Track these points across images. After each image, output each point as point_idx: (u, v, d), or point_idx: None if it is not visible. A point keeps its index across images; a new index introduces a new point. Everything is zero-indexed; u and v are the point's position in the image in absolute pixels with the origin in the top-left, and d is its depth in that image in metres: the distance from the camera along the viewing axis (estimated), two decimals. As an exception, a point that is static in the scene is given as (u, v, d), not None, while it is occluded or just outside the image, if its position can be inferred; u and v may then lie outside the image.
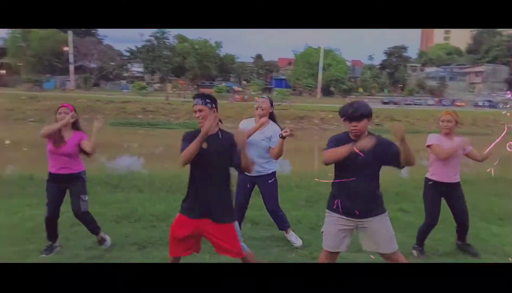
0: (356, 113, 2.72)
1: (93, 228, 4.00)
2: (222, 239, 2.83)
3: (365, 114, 2.73)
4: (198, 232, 2.85)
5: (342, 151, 2.67)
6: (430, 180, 3.98)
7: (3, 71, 55.53)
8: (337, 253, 2.95)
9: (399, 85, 65.23)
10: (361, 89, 60.59)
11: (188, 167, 2.80)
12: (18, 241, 4.10)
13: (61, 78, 54.62)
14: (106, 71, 57.86)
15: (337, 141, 2.83)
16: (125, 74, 63.61)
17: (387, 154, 2.73)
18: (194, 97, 2.84)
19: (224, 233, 2.83)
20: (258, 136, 4.00)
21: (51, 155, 3.77)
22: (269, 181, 4.12)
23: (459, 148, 3.79)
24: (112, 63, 59.56)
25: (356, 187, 2.76)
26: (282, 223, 4.29)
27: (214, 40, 61.43)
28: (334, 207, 2.88)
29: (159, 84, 60.19)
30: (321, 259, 3.01)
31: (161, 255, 3.80)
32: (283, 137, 3.77)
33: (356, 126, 2.74)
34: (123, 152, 20.29)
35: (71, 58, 53.06)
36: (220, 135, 2.83)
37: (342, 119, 2.83)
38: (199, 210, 2.80)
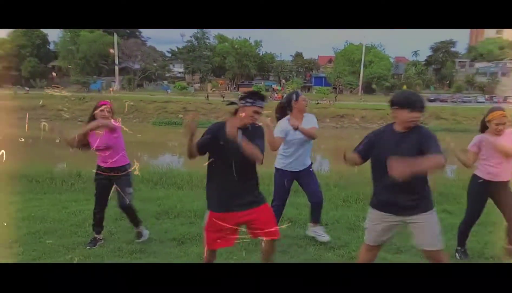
0: (421, 104, 2.64)
1: (135, 220, 4.14)
2: (263, 221, 2.88)
3: (423, 108, 2.67)
4: (237, 224, 2.91)
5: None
6: (480, 178, 3.75)
7: (55, 74, 58.85)
8: (377, 247, 2.94)
9: (446, 82, 62.51)
10: (405, 87, 58.64)
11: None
12: (65, 235, 4.33)
13: (107, 79, 57.08)
14: (149, 72, 59.77)
15: (376, 133, 2.82)
16: (167, 74, 65.41)
17: (425, 150, 2.60)
18: (251, 96, 2.86)
19: (264, 213, 2.92)
20: (297, 134, 4.02)
21: (97, 150, 3.96)
22: (310, 170, 4.23)
23: None
24: (154, 64, 61.45)
25: (396, 184, 2.61)
26: (318, 215, 4.27)
27: (253, 40, 61.90)
28: (375, 203, 2.87)
29: (199, 84, 61.35)
30: (361, 252, 3.04)
31: (198, 251, 3.87)
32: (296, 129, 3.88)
33: (417, 117, 2.64)
34: (164, 150, 20.88)
35: (116, 60, 55.31)
36: (249, 128, 2.88)
37: (396, 107, 2.70)
38: (239, 202, 2.86)
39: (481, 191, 3.77)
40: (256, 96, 2.85)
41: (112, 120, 3.95)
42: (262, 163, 2.85)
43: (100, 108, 3.94)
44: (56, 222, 4.74)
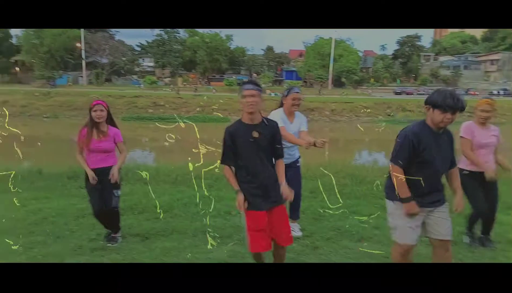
0: (459, 106, 2.59)
1: (116, 226, 4.04)
2: (281, 223, 2.89)
3: (463, 109, 2.62)
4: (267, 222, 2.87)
5: (401, 191, 2.70)
6: (465, 170, 3.83)
7: (17, 69, 56.44)
8: (413, 246, 2.86)
9: (412, 75, 64.25)
10: (372, 80, 59.89)
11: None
12: (23, 234, 4.18)
13: (74, 74, 55.27)
14: (118, 66, 58.32)
15: (415, 136, 2.69)
16: (137, 69, 64.04)
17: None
18: (242, 84, 2.86)
19: (282, 215, 2.92)
20: (293, 130, 4.09)
21: (90, 152, 3.84)
22: (298, 164, 4.28)
23: (481, 164, 3.75)
24: (123, 59, 60.00)
25: (433, 181, 2.75)
26: (297, 211, 4.33)
27: (224, 33, 61.33)
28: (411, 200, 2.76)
29: (169, 79, 60.44)
30: (396, 256, 2.87)
31: (162, 246, 3.84)
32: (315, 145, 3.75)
33: (450, 119, 2.62)
34: (134, 146, 20.47)
35: (83, 54, 53.62)
36: (266, 123, 2.88)
37: (429, 106, 2.69)
38: (266, 199, 2.85)
39: (470, 182, 3.78)
40: (243, 83, 2.86)
41: (114, 129, 3.98)
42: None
43: (93, 109, 3.83)
44: (13, 221, 4.56)
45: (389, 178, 2.83)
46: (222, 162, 2.88)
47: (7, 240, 3.89)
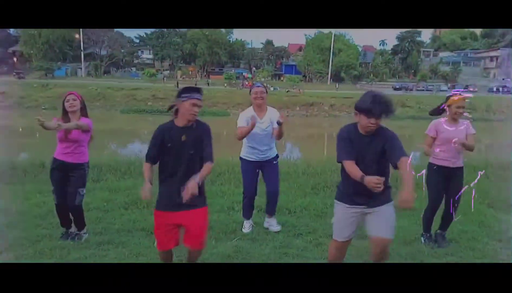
0: (378, 112, 2.59)
1: (80, 223, 4.00)
2: (197, 225, 2.85)
3: (389, 113, 2.62)
4: (178, 223, 2.87)
5: (357, 175, 2.63)
6: (434, 165, 3.96)
7: (15, 59, 56.10)
8: (348, 242, 2.96)
9: (412, 71, 64.19)
10: (371, 75, 59.80)
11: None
12: (29, 227, 4.21)
13: (73, 66, 55.01)
14: (116, 58, 58.04)
15: (347, 134, 2.77)
16: (135, 61, 63.77)
17: (389, 151, 2.69)
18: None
19: (200, 217, 2.87)
20: (262, 126, 4.08)
21: (60, 141, 3.84)
22: (274, 162, 4.29)
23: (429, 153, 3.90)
24: (122, 50, 59.69)
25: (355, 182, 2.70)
26: (274, 207, 4.36)
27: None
28: (343, 197, 2.89)
29: (169, 71, 60.22)
30: (331, 251, 3.03)
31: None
32: (280, 123, 3.91)
33: (374, 124, 2.63)
34: (133, 138, 20.47)
35: (81, 45, 53.32)
36: (194, 126, 2.86)
37: (357, 112, 2.70)
38: (179, 201, 2.75)
39: (437, 177, 3.95)
40: (191, 90, 2.82)
41: (86, 119, 3.86)
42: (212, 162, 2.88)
43: (66, 99, 3.83)
44: (19, 214, 4.59)
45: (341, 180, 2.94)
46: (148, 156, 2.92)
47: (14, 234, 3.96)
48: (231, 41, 63.20)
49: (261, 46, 70.11)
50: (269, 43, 69.25)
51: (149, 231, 4.18)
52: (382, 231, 2.78)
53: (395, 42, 66.49)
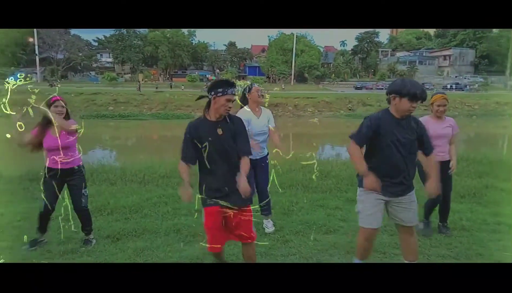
0: (423, 95, 2.75)
1: (89, 226, 3.99)
2: (241, 224, 2.87)
3: (425, 97, 2.79)
4: (223, 219, 2.87)
5: (360, 164, 2.79)
6: None
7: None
8: (377, 230, 3.00)
9: (371, 70, 66.24)
10: (333, 76, 61.20)
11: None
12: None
13: (27, 71, 52.63)
14: (74, 62, 56.13)
15: (377, 120, 2.83)
16: (94, 65, 61.92)
17: (425, 141, 2.94)
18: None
19: (244, 217, 2.87)
20: (261, 124, 4.17)
21: (49, 151, 3.74)
22: (266, 161, 4.34)
23: None
24: (80, 54, 57.79)
25: (399, 166, 2.85)
26: (269, 207, 4.39)
27: (186, 28, 60.47)
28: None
29: (130, 75, 58.90)
30: (360, 239, 3.00)
31: (134, 246, 3.84)
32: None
33: (414, 107, 2.76)
34: (94, 145, 19.87)
35: (36, 49, 51.15)
36: (228, 120, 2.84)
37: (392, 95, 2.82)
38: (223, 197, 2.80)
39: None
40: (225, 85, 2.77)
41: (71, 121, 3.82)
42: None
43: (54, 105, 3.73)
44: (-26, 228, 4.39)
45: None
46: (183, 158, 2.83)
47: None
48: (193, 43, 62.70)
49: (224, 48, 70.09)
50: (232, 44, 69.27)
51: (115, 238, 4.12)
52: (406, 220, 2.95)
53: (355, 42, 68.49)
